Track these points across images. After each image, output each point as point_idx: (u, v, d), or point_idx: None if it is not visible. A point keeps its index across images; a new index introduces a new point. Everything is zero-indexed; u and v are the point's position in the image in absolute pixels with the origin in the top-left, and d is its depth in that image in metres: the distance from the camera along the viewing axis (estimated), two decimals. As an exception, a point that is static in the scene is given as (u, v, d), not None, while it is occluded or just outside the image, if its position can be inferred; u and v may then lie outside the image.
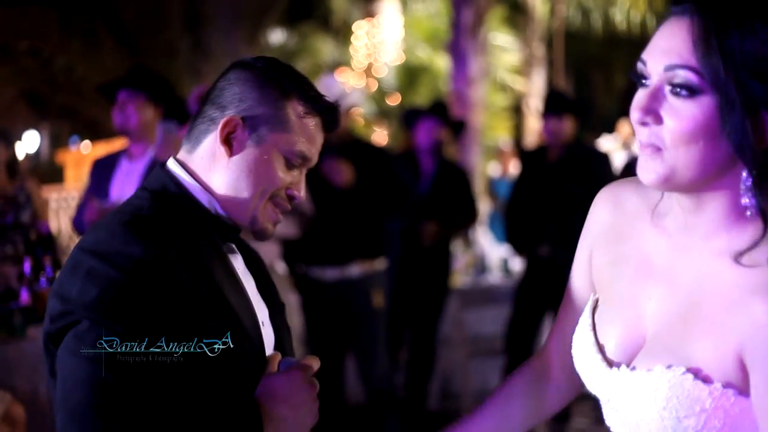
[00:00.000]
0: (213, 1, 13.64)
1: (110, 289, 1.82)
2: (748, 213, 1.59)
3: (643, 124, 1.59)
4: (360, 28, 17.86)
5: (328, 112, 2.11)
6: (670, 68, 1.56)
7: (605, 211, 1.87)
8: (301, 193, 2.11)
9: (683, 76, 1.54)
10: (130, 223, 1.91)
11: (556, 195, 6.58)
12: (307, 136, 2.07)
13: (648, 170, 1.61)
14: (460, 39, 12.42)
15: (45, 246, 5.33)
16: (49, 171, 18.23)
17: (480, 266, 8.13)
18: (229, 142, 2.03)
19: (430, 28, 17.16)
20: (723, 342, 1.58)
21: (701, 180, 1.59)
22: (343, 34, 18.32)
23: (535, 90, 16.66)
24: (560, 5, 16.37)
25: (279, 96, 2.04)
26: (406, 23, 17.62)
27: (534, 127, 15.06)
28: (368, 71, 17.29)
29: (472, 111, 12.36)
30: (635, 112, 1.59)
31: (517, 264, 7.79)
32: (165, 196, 2.04)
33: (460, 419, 2.02)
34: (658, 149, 1.59)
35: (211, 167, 2.06)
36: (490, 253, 8.54)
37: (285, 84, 2.06)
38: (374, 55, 17.36)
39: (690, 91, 1.54)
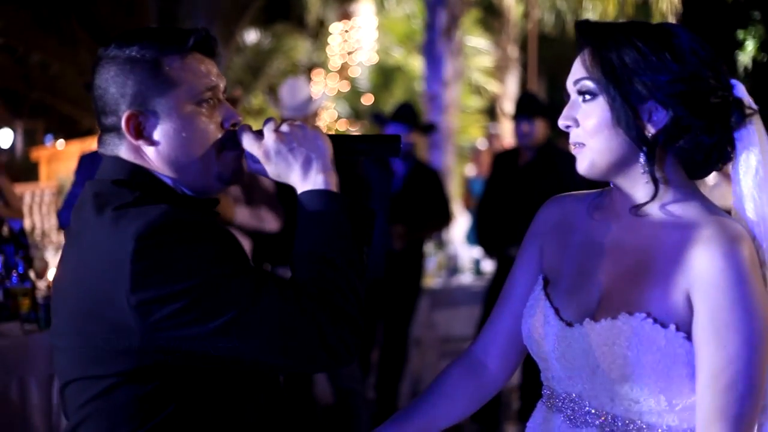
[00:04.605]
0: (188, 1, 13.62)
1: (209, 256, 1.88)
2: (646, 182, 1.98)
3: (567, 127, 2.05)
4: (335, 29, 17.88)
5: (201, 41, 2.05)
6: (576, 82, 2.04)
7: (551, 214, 2.27)
8: (236, 116, 2.08)
9: (583, 84, 2.01)
10: (165, 212, 1.89)
11: (527, 197, 6.61)
12: (198, 72, 2.03)
13: (579, 163, 2.04)
14: (435, 41, 12.45)
15: (17, 243, 5.33)
16: (23, 168, 18.09)
17: (451, 267, 8.16)
18: (142, 134, 2.00)
19: (405, 30, 17.18)
20: (674, 287, 1.94)
21: (616, 162, 2.01)
22: (318, 35, 18.32)
23: (508, 92, 16.74)
24: (534, 8, 16.44)
25: (149, 66, 1.99)
26: (381, 24, 17.64)
27: (508, 129, 15.13)
28: (343, 72, 17.31)
29: (447, 113, 12.41)
30: (560, 121, 2.06)
31: (489, 265, 7.83)
32: (141, 184, 1.99)
33: (405, 407, 2.27)
34: (582, 145, 2.03)
35: (147, 164, 2.02)
36: (462, 254, 8.58)
37: (145, 53, 2.00)
38: (349, 56, 17.38)
39: (590, 95, 2.00)
